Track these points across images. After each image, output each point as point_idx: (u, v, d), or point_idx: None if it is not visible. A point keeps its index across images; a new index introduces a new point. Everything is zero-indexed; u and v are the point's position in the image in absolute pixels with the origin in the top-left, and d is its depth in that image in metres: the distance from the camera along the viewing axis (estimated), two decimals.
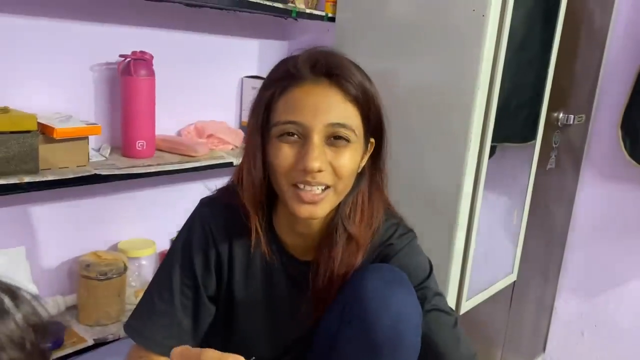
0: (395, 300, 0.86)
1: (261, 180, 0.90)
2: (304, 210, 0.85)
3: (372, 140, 0.92)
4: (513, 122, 1.57)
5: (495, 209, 1.64)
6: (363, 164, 0.92)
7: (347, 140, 0.84)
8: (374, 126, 0.90)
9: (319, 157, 0.82)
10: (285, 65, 0.86)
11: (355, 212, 0.93)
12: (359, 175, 0.92)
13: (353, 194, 0.92)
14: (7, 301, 0.31)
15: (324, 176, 0.84)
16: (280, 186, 0.87)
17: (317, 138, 0.82)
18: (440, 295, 0.97)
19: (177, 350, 0.71)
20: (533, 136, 1.68)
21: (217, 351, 0.67)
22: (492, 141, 1.44)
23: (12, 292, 0.32)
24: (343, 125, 0.83)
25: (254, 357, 0.72)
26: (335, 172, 0.85)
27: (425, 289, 0.94)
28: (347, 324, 0.89)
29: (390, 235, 0.97)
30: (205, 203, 0.98)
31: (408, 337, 0.86)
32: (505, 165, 1.63)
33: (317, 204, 0.85)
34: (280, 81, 0.85)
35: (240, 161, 0.95)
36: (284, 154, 0.84)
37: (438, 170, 1.45)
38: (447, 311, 0.96)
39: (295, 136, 0.83)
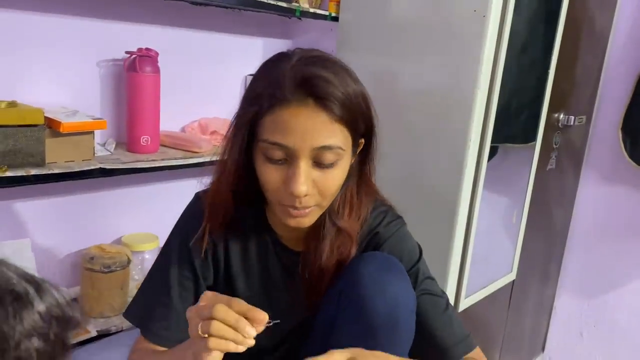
0: (390, 285, 0.88)
1: (229, 195, 0.91)
2: (292, 222, 0.88)
3: (362, 140, 0.91)
4: (514, 123, 1.58)
5: (495, 209, 1.65)
6: (351, 162, 0.92)
7: (335, 159, 0.84)
8: (363, 130, 0.89)
9: (305, 182, 0.82)
10: (270, 78, 0.83)
11: (344, 207, 0.94)
12: (347, 173, 0.91)
13: (342, 191, 0.92)
14: (32, 292, 0.33)
15: (310, 199, 0.85)
16: (268, 198, 0.89)
17: (303, 162, 0.82)
18: (431, 279, 0.99)
19: (208, 293, 0.76)
20: (534, 137, 1.70)
21: (245, 302, 0.73)
22: (493, 142, 1.46)
23: (37, 283, 0.34)
24: (330, 148, 0.82)
25: (278, 321, 0.75)
26: (322, 192, 0.85)
27: (416, 273, 0.97)
28: (343, 310, 0.91)
29: (379, 223, 0.99)
30: (200, 196, 0.99)
31: (403, 322, 0.88)
32: (506, 165, 1.65)
33: (304, 217, 0.87)
34: (265, 98, 0.82)
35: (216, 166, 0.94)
36: (271, 174, 0.84)
37: (438, 169, 1.46)
38: (438, 294, 0.98)
39: (282, 157, 0.83)
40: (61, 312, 0.34)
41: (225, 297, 0.74)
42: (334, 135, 0.82)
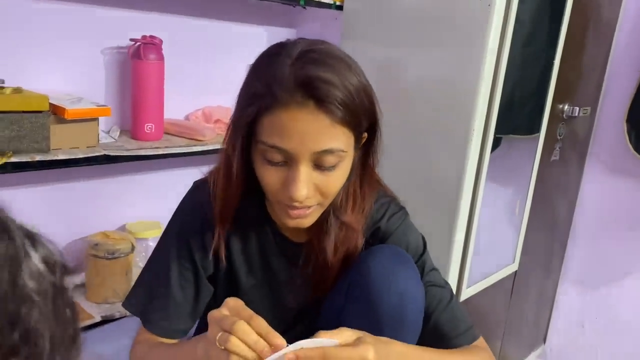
0: (399, 280, 0.88)
1: (236, 191, 0.89)
2: (291, 222, 0.86)
3: (365, 134, 0.88)
4: (518, 114, 1.58)
5: (498, 200, 1.65)
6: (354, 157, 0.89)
7: (337, 161, 0.82)
8: (366, 126, 0.86)
9: (305, 186, 0.80)
10: (268, 76, 0.79)
11: (347, 201, 0.92)
12: (350, 168, 0.89)
13: (345, 185, 0.90)
14: (27, 243, 0.34)
15: (311, 200, 0.83)
16: (268, 197, 0.88)
17: (303, 166, 0.79)
18: (435, 270, 1.00)
19: (231, 301, 0.76)
20: (538, 128, 1.69)
21: (265, 322, 0.73)
22: (497, 133, 1.45)
23: (31, 235, 0.35)
24: (331, 151, 0.79)
25: (300, 348, 0.74)
26: (323, 194, 0.83)
27: (422, 266, 0.97)
28: (352, 302, 0.91)
29: (382, 215, 0.98)
30: (198, 186, 0.98)
31: (411, 316, 0.89)
32: (509, 156, 1.64)
33: (305, 217, 0.86)
34: (263, 99, 0.78)
35: (217, 164, 0.92)
36: (270, 176, 0.82)
37: (441, 159, 1.46)
38: (443, 285, 0.99)
39: (281, 159, 0.80)
40: (56, 260, 0.35)
41: (248, 312, 0.73)
42: (336, 139, 0.79)
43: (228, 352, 0.71)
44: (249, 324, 0.72)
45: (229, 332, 0.71)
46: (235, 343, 0.70)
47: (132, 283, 1.49)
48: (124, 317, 1.43)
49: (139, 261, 1.58)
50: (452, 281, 1.51)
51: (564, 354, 2.26)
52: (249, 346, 0.71)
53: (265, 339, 0.71)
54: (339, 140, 0.79)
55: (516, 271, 1.87)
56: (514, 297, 1.95)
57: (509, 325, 1.99)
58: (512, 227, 1.79)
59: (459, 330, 0.97)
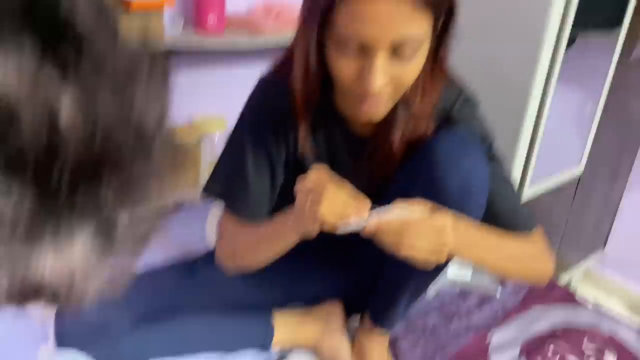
0: (465, 161, 0.88)
1: (316, 83, 0.87)
2: (363, 115, 0.85)
3: (441, 20, 0.84)
4: (598, 7, 1.47)
5: (569, 99, 1.59)
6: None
7: (416, 49, 0.77)
8: (444, 11, 0.81)
9: (381, 77, 0.77)
10: None
11: (416, 91, 0.89)
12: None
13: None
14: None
15: (386, 91, 0.80)
16: (340, 89, 0.86)
17: (381, 55, 0.75)
18: (501, 162, 0.99)
19: (317, 170, 0.81)
20: (619, 23, 1.57)
21: (350, 187, 0.77)
22: (573, 28, 1.37)
23: None
24: (412, 38, 0.75)
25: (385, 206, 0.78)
26: (398, 85, 0.81)
27: (488, 156, 0.95)
28: (417, 183, 0.91)
29: (452, 104, 0.96)
30: (266, 80, 0.97)
31: (476, 197, 0.89)
32: (585, 54, 1.55)
33: (377, 109, 0.84)
34: None
35: (285, 57, 0.91)
36: (345, 67, 0.79)
37: (511, 56, 1.40)
38: (507, 176, 0.99)
39: (358, 49, 0.76)
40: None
41: (333, 179, 0.76)
42: (417, 24, 0.75)
43: (317, 218, 0.75)
44: (334, 190, 0.74)
45: (318, 200, 0.75)
46: (323, 210, 0.74)
47: (200, 175, 1.57)
48: (192, 205, 1.50)
49: (206, 154, 1.64)
50: (515, 179, 1.50)
51: (623, 261, 2.24)
52: (337, 212, 0.74)
53: (350, 205, 0.75)
54: (420, 25, 0.76)
55: (581, 174, 1.82)
56: (577, 200, 1.92)
57: (569, 228, 1.98)
58: (581, 130, 1.73)
59: (519, 219, 0.98)
